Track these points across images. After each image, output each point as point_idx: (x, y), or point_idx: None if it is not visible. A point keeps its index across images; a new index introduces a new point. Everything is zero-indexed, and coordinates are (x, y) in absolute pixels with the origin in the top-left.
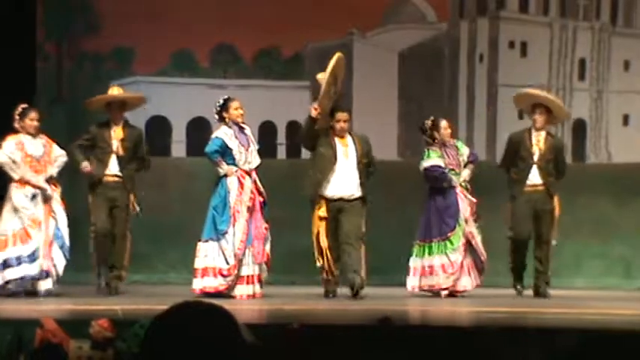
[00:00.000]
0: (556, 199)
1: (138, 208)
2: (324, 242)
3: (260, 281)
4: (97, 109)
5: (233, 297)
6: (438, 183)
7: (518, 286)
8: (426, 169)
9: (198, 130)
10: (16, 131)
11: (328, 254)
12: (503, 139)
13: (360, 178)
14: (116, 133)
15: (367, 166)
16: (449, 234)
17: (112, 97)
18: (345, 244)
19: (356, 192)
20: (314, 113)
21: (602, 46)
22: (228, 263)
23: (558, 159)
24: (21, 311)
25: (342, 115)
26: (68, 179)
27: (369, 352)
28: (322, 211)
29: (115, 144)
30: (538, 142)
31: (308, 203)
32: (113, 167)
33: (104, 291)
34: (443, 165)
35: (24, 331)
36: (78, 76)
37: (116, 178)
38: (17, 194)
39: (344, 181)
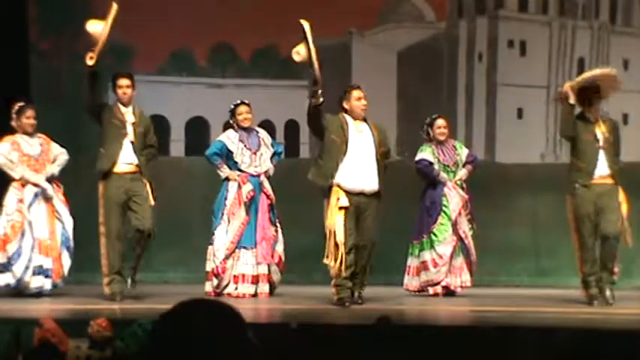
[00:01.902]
0: (621, 192)
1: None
2: (340, 237)
3: (270, 282)
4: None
5: (229, 295)
6: (426, 177)
7: (592, 293)
8: (416, 161)
9: (197, 129)
10: (13, 130)
11: (343, 252)
12: (502, 138)
13: (378, 169)
14: (127, 116)
15: (385, 157)
16: (432, 227)
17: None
18: (358, 250)
19: (375, 185)
20: (318, 99)
21: (601, 45)
22: (215, 263)
23: (618, 142)
24: (20, 310)
25: (360, 93)
26: (71, 174)
27: (369, 352)
28: (343, 201)
29: (129, 128)
30: (599, 124)
31: (307, 202)
32: (128, 154)
33: (116, 297)
34: (432, 160)
35: (22, 330)
36: (73, 74)
37: (132, 167)
38: (12, 196)
39: (362, 171)
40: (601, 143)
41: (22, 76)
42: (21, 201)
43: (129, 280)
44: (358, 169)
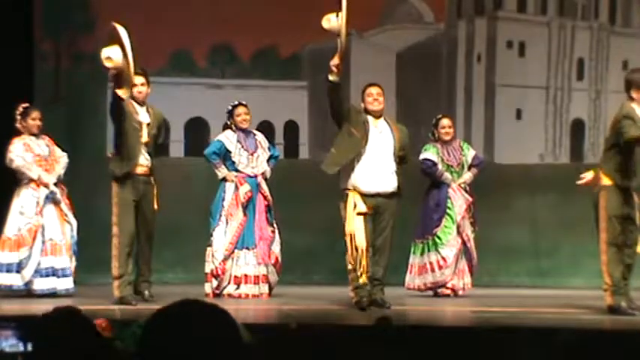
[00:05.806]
0: None
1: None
2: (361, 242)
3: (268, 282)
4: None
5: (230, 295)
6: (430, 177)
7: (622, 302)
8: (420, 161)
9: (197, 130)
10: (18, 132)
11: (364, 257)
12: (501, 139)
13: (397, 169)
14: (142, 116)
15: (401, 161)
16: (435, 230)
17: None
18: (376, 252)
19: (392, 186)
20: (335, 75)
21: (600, 45)
22: (214, 264)
23: None
24: (24, 311)
25: (374, 90)
26: (71, 174)
27: (369, 352)
28: (360, 206)
29: (145, 129)
30: None
31: (306, 203)
32: (142, 156)
33: (131, 300)
34: (436, 160)
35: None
36: (76, 75)
37: (145, 169)
38: (30, 198)
39: (378, 173)
40: None
41: (26, 76)
42: (37, 203)
43: (146, 293)
44: (375, 170)
